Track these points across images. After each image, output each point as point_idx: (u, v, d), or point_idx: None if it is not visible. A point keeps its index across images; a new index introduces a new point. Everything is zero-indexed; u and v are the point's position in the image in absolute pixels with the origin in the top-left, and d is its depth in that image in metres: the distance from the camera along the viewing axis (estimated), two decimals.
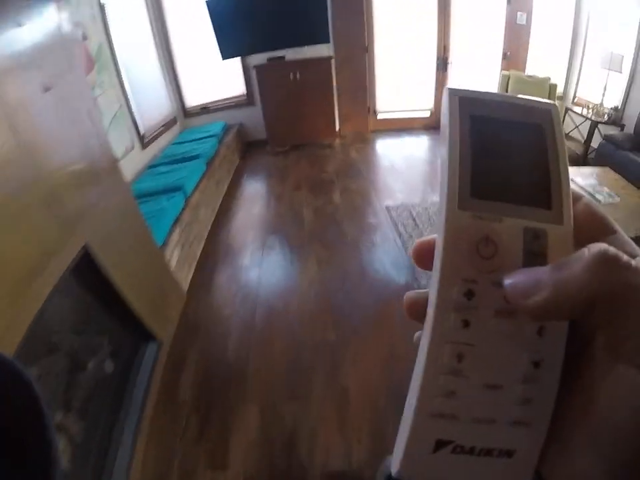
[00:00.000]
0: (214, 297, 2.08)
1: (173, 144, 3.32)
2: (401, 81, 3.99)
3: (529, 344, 0.15)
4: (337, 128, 3.97)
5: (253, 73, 3.47)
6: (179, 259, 2.06)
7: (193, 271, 2.21)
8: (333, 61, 3.56)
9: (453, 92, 0.17)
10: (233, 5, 3.20)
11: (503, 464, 0.16)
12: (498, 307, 0.15)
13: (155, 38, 3.36)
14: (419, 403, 0.16)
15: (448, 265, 0.15)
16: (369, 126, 4.15)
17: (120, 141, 2.59)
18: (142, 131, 2.89)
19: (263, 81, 3.47)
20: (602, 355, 0.14)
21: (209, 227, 2.64)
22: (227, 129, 3.68)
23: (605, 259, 0.13)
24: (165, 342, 1.69)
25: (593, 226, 0.16)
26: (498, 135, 0.16)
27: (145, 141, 2.92)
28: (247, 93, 3.78)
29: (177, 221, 2.12)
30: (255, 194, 3.37)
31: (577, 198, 0.16)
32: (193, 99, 3.82)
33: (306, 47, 3.41)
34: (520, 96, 0.17)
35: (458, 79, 3.90)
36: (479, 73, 3.90)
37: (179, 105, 3.76)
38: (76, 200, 1.23)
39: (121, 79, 2.69)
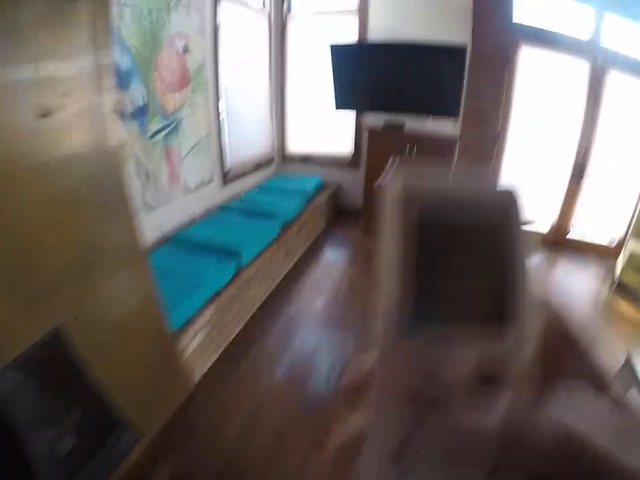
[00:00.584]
0: (231, 395, 1.61)
1: (258, 188, 3.06)
2: (527, 185, 3.27)
3: None
4: None
5: (365, 135, 3.09)
6: (202, 342, 1.65)
7: (216, 357, 1.78)
8: (457, 145, 3.03)
9: (400, 186, 0.13)
10: (359, 53, 2.90)
11: None
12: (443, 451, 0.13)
13: (270, 71, 3.21)
14: None
15: (382, 406, 0.14)
16: None
17: (197, 171, 2.36)
18: (227, 166, 2.66)
19: (373, 147, 3.04)
20: None
21: (258, 305, 2.16)
22: (321, 186, 3.28)
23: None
24: (146, 437, 1.31)
25: (559, 344, 0.15)
26: (448, 244, 0.13)
27: (227, 178, 2.68)
28: (354, 154, 3.39)
29: (216, 295, 1.73)
30: (329, 274, 2.67)
31: (543, 308, 0.15)
32: (295, 145, 3.57)
33: (428, 118, 2.94)
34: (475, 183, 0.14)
35: (593, 194, 3.07)
36: (623, 194, 2.85)
37: (278, 147, 3.54)
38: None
39: (218, 104, 2.49)
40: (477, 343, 0.13)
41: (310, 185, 3.09)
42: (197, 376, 1.64)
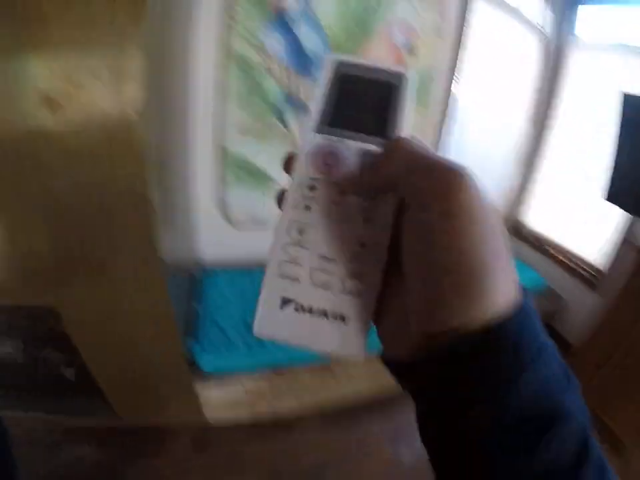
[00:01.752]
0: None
1: None
2: None
3: (356, 229, 0.21)
4: None
5: (632, 256, 1.60)
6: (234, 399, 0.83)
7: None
8: None
9: (332, 55, 0.25)
10: None
11: (338, 328, 0.20)
12: (333, 198, 0.21)
13: (528, 109, 2.21)
14: (270, 265, 0.21)
15: (301, 168, 0.22)
16: None
17: None
18: None
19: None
20: (405, 210, 0.20)
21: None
22: (538, 290, 1.97)
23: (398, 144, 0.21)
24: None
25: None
26: (357, 86, 0.24)
27: None
28: (599, 273, 1.87)
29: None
30: None
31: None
32: (530, 217, 2.36)
33: None
34: (387, 64, 0.24)
35: None
36: None
37: (509, 211, 2.41)
38: None
39: (441, 127, 1.76)
40: (361, 141, 0.22)
41: (524, 277, 1.85)
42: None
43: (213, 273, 1.51)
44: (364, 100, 0.23)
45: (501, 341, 0.17)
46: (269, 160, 1.46)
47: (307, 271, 0.20)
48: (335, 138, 0.22)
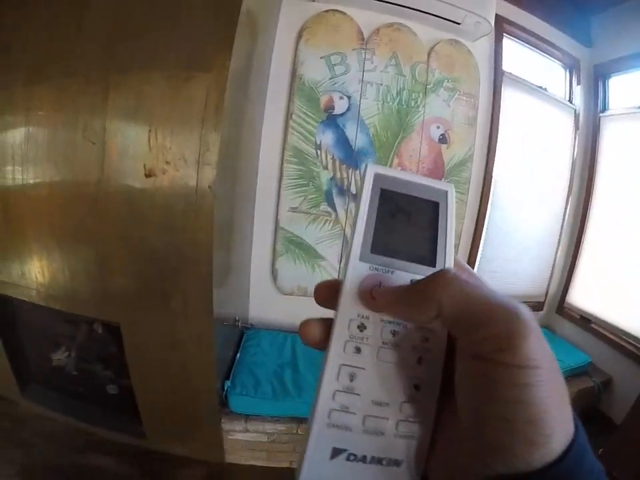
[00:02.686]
0: None
1: None
2: None
3: (409, 370, 0.20)
4: None
5: None
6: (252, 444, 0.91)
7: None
8: None
9: (371, 167, 0.23)
10: None
11: (392, 472, 0.19)
12: (385, 339, 0.20)
13: (569, 185, 2.25)
14: (318, 414, 0.19)
15: (347, 303, 0.20)
16: None
17: None
18: None
19: None
20: (461, 357, 0.18)
21: None
22: (583, 371, 1.88)
23: (447, 278, 0.18)
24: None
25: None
26: (400, 206, 0.22)
27: None
28: None
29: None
30: None
31: (455, 262, 0.22)
32: (580, 296, 2.24)
33: None
34: (426, 179, 0.23)
35: None
36: None
37: (555, 292, 2.34)
38: None
39: (479, 211, 1.87)
40: (411, 272, 0.21)
41: (565, 362, 1.81)
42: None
43: (257, 330, 1.67)
44: (410, 222, 0.22)
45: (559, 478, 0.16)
46: (316, 238, 1.64)
47: (360, 419, 0.19)
48: (382, 268, 0.21)
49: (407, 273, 0.21)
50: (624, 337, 1.90)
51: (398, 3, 1.69)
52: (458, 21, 1.77)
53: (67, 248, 1.20)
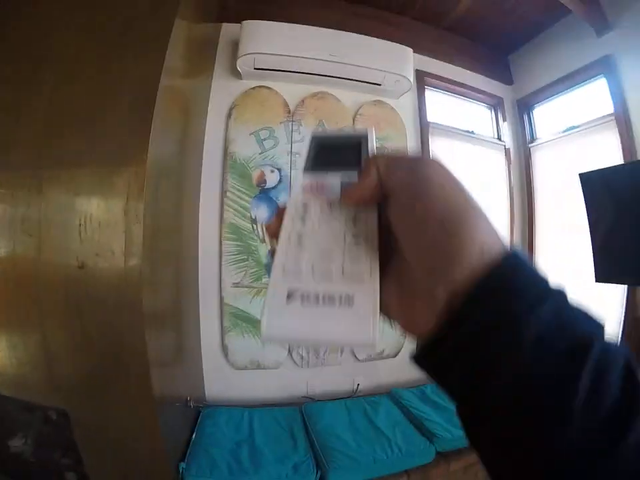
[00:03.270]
0: None
1: None
2: None
3: (347, 227, 0.24)
4: None
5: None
6: None
7: None
8: None
9: (312, 132, 0.31)
10: (629, 182, 1.61)
11: (347, 315, 0.20)
12: (324, 210, 0.25)
13: (510, 221, 2.35)
14: (273, 271, 0.22)
15: (295, 198, 0.26)
16: None
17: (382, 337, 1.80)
18: None
19: None
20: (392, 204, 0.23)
21: None
22: None
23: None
24: None
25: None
26: (333, 142, 0.30)
27: None
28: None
29: None
30: None
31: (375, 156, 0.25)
32: None
33: None
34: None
35: None
36: None
37: None
38: None
39: None
40: (340, 172, 0.27)
41: None
42: None
43: (213, 407, 1.64)
44: (340, 148, 0.29)
45: (507, 277, 0.18)
46: (261, 310, 1.65)
47: (309, 265, 0.22)
48: (320, 173, 0.27)
49: (337, 173, 0.27)
50: None
51: (320, 73, 1.80)
52: (378, 82, 1.89)
53: (12, 336, 1.20)
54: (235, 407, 1.64)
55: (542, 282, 0.19)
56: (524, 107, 2.46)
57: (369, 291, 0.21)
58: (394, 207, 0.22)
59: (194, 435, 1.51)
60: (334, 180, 0.26)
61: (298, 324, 0.20)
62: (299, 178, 0.27)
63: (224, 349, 1.67)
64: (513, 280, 0.18)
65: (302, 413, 1.65)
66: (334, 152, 0.29)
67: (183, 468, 1.32)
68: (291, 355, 1.70)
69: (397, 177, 0.22)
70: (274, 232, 0.25)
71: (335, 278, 0.21)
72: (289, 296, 0.21)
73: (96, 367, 1.19)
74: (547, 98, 2.35)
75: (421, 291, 0.20)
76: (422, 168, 0.22)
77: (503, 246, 0.19)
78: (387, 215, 0.23)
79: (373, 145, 0.28)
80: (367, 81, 1.86)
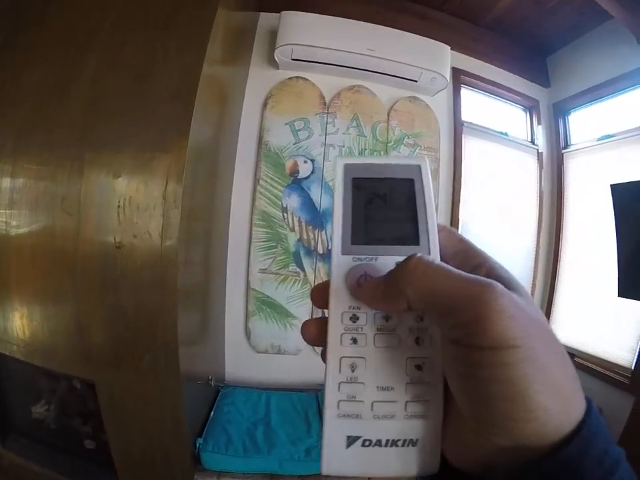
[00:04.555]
0: None
1: None
2: None
3: (409, 351, 0.20)
4: None
5: None
6: None
7: None
8: None
9: (340, 159, 0.23)
10: None
11: (410, 452, 0.19)
12: (379, 325, 0.21)
13: (538, 228, 2.31)
14: (327, 407, 0.20)
15: (337, 297, 0.21)
16: None
17: None
18: None
19: None
20: (442, 341, 0.19)
21: None
22: None
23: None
24: None
25: (459, 249, 0.21)
26: (374, 191, 0.22)
27: None
28: (636, 369, 1.78)
29: None
30: None
31: (440, 229, 0.22)
32: (561, 330, 2.23)
33: None
34: (396, 158, 0.27)
35: None
36: None
37: None
38: None
39: None
40: (395, 254, 0.21)
41: None
42: None
43: (232, 387, 1.70)
44: (386, 205, 0.22)
45: (564, 465, 0.16)
46: (286, 297, 1.70)
47: (368, 406, 0.20)
48: (365, 257, 0.21)
49: (390, 257, 0.21)
50: (609, 366, 1.92)
51: (357, 67, 1.80)
52: (415, 79, 1.88)
53: (47, 308, 1.27)
54: (254, 388, 1.69)
55: (615, 451, 0.17)
56: (559, 112, 2.40)
57: (433, 428, 0.20)
58: (444, 347, 0.19)
59: (212, 413, 1.57)
60: (387, 267, 0.20)
61: (360, 463, 0.20)
62: (336, 260, 0.21)
63: (247, 331, 1.72)
64: (591, 449, 0.16)
65: (318, 399, 1.69)
66: (380, 208, 0.22)
67: (200, 443, 1.39)
68: None
69: (448, 323, 0.18)
70: (313, 339, 0.22)
71: (398, 419, 0.20)
72: (350, 442, 0.20)
73: (127, 340, 1.25)
74: (584, 104, 2.29)
75: (472, 434, 0.18)
76: (483, 318, 0.16)
77: (572, 413, 0.17)
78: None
79: (429, 187, 0.22)
80: (403, 76, 1.85)
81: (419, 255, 0.19)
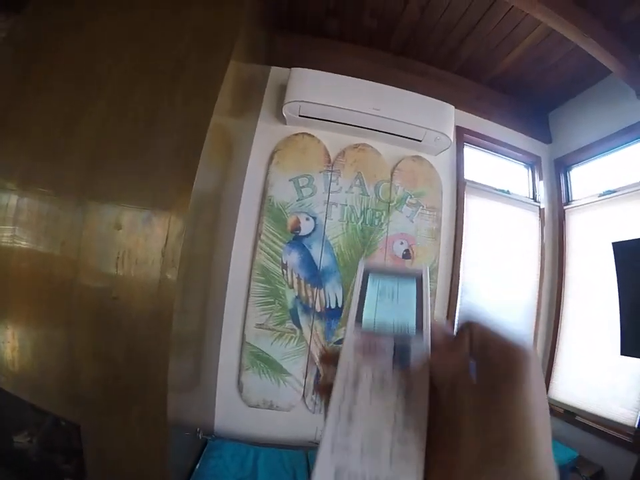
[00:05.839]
0: None
1: None
2: None
3: (398, 402, 0.24)
4: None
5: None
6: None
7: None
8: None
9: (362, 261, 0.32)
10: None
11: None
12: (377, 378, 0.25)
13: (540, 283, 2.30)
14: (324, 441, 0.23)
15: (347, 354, 0.26)
16: None
17: None
18: None
19: None
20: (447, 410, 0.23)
21: None
22: (572, 467, 1.81)
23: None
24: None
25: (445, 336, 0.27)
26: (386, 284, 0.30)
27: None
28: (633, 430, 1.77)
29: None
30: None
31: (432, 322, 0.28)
32: (562, 390, 2.20)
33: None
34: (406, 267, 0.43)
35: None
36: None
37: None
38: None
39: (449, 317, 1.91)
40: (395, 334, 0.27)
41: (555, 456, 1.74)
42: None
43: (221, 440, 1.68)
44: (393, 295, 0.29)
45: None
46: (282, 354, 1.70)
47: (358, 444, 0.22)
48: (374, 331, 0.27)
49: (393, 335, 0.27)
50: (610, 425, 1.88)
51: (362, 126, 1.85)
52: (419, 139, 1.92)
53: (39, 346, 1.26)
54: (242, 442, 1.67)
55: None
56: (561, 167, 2.44)
57: (414, 472, 0.22)
58: (469, 393, 0.22)
59: (198, 465, 1.55)
60: (388, 342, 0.26)
61: None
62: (351, 329, 0.27)
63: (239, 385, 1.71)
64: None
65: (307, 457, 1.66)
66: (388, 296, 0.29)
67: None
68: (304, 400, 1.73)
69: (494, 363, 0.22)
70: (324, 389, 0.26)
71: (383, 460, 0.22)
72: (337, 474, 0.22)
73: (117, 389, 1.25)
74: (586, 159, 2.31)
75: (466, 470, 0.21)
76: (522, 370, 0.21)
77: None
78: (452, 393, 0.24)
79: (428, 289, 0.29)
80: (407, 136, 1.90)
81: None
